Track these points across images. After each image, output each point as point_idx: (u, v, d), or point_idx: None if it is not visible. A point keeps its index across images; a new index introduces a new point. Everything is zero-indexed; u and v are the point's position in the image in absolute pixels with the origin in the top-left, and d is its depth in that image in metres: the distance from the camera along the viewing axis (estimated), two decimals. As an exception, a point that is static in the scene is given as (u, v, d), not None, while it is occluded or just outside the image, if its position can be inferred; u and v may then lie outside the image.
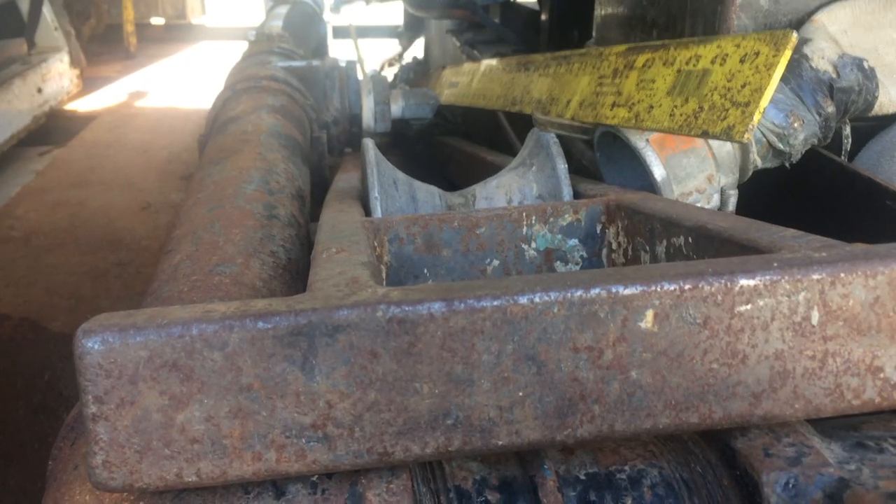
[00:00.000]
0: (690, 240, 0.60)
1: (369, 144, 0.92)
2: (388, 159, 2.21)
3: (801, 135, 0.81)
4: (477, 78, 1.48)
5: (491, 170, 1.36)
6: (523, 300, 0.41)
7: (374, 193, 0.85)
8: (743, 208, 0.86)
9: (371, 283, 0.46)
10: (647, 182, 0.85)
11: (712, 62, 0.67)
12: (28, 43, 2.48)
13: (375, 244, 0.74)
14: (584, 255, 0.77)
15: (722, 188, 0.82)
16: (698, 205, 0.81)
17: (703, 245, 0.58)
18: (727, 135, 0.61)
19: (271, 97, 1.33)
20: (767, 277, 0.42)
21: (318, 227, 0.76)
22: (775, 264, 0.43)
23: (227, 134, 1.15)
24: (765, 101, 0.59)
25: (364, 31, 4.02)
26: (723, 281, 0.42)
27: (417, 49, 3.61)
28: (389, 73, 3.38)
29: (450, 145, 1.80)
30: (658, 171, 0.80)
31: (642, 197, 0.74)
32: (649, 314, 0.41)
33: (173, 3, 4.38)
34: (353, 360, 0.40)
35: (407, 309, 0.40)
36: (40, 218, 1.72)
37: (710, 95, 0.65)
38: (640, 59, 0.81)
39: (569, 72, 1.00)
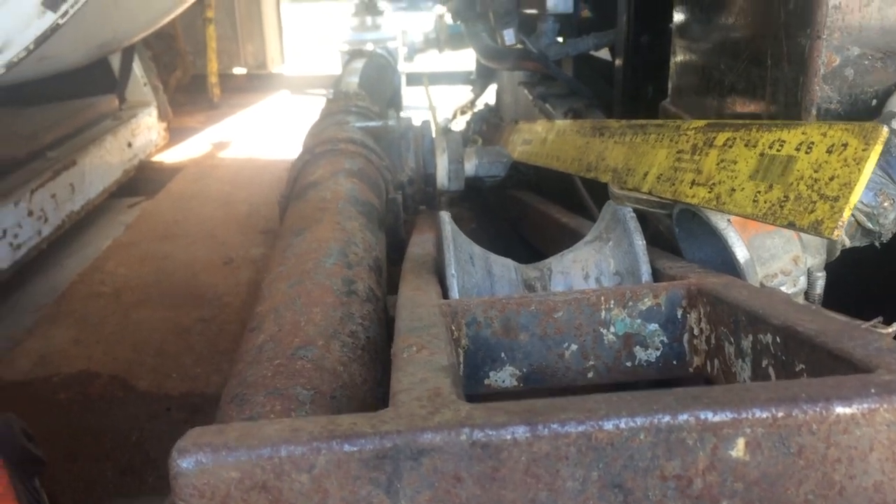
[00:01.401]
0: (778, 339, 0.58)
1: (445, 219, 0.93)
2: (460, 211, 2.22)
3: (892, 214, 0.79)
4: (550, 137, 1.49)
5: (565, 233, 1.36)
6: (609, 426, 0.41)
7: (451, 270, 0.85)
8: (830, 287, 0.83)
9: (453, 396, 0.47)
10: (728, 257, 0.83)
11: (797, 149, 0.66)
12: (119, 99, 2.61)
13: (453, 328, 0.74)
14: (665, 339, 0.76)
15: (809, 269, 0.79)
16: (783, 288, 0.79)
17: (792, 348, 0.56)
18: (815, 230, 0.59)
19: (348, 160, 1.36)
20: (865, 406, 0.40)
21: (396, 307, 0.77)
22: (873, 390, 0.41)
23: (307, 200, 1.18)
24: (855, 197, 0.57)
25: (437, 78, 4.09)
26: (818, 409, 0.40)
27: (489, 95, 3.65)
28: (461, 121, 3.42)
29: (522, 201, 1.80)
30: (741, 253, 0.78)
31: (725, 283, 0.72)
32: (740, 442, 0.40)
33: (254, 53, 4.54)
34: (438, 484, 0.40)
35: (490, 433, 0.40)
36: (128, 272, 1.79)
37: (796, 185, 0.63)
38: (721, 138, 0.80)
39: (645, 142, 0.99)
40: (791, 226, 0.62)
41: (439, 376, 0.51)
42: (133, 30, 2.22)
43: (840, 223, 0.57)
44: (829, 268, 0.84)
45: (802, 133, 0.65)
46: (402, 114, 3.07)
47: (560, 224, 1.41)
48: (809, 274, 0.80)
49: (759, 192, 0.68)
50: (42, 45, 1.35)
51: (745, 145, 0.73)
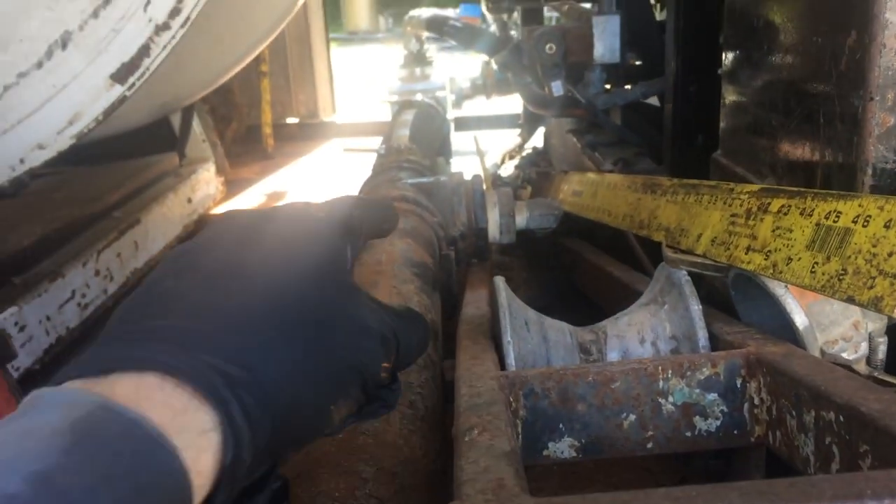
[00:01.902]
0: (841, 418, 0.58)
1: (500, 286, 0.94)
2: (511, 260, 2.22)
3: (956, 277, 0.77)
4: (601, 190, 1.49)
5: (618, 286, 1.36)
6: (672, 525, 0.41)
7: (507, 338, 0.87)
8: (893, 351, 0.82)
9: (517, 489, 0.48)
10: (786, 321, 0.82)
11: (854, 221, 0.66)
12: (179, 156, 2.70)
13: (511, 399, 0.75)
14: (725, 409, 0.76)
15: (870, 334, 0.78)
16: (844, 354, 0.78)
17: (856, 428, 0.56)
18: (875, 306, 0.59)
19: (402, 220, 1.39)
20: (934, 505, 0.40)
21: (455, 380, 0.78)
22: (941, 488, 0.41)
23: (363, 263, 1.20)
24: (916, 276, 0.57)
25: (484, 122, 4.14)
26: (884, 508, 0.40)
27: (537, 138, 3.67)
28: (510, 165, 3.45)
29: (573, 251, 1.80)
30: (800, 320, 0.78)
31: (784, 353, 0.72)
32: (806, 542, 0.40)
33: (307, 103, 4.66)
34: (504, 582, 0.41)
35: (555, 532, 0.41)
36: (189, 328, 1.84)
37: (854, 258, 0.63)
38: (775, 204, 0.80)
39: (698, 203, 0.99)
40: (850, 300, 0.62)
41: (502, 465, 0.51)
42: (193, 91, 2.31)
43: (901, 301, 0.57)
44: (891, 331, 0.83)
45: (859, 205, 0.65)
46: (451, 159, 3.11)
47: (612, 278, 1.41)
48: (871, 339, 0.79)
49: (816, 262, 0.68)
50: (110, 115, 1.42)
51: (801, 214, 0.74)
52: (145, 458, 0.34)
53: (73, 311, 1.72)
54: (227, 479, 0.38)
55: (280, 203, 2.99)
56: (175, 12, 1.33)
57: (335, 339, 0.46)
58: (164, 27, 1.34)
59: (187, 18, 1.34)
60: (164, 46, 1.35)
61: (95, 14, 1.33)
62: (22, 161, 1.40)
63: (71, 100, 1.37)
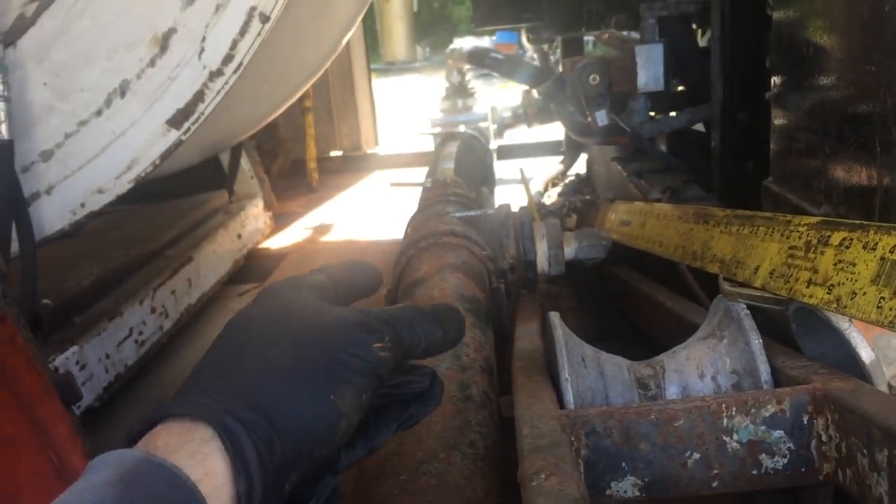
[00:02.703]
0: (918, 459, 0.56)
1: (556, 322, 0.94)
2: (560, 290, 2.20)
3: None
4: (650, 220, 1.49)
5: (670, 318, 1.35)
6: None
7: (565, 375, 0.86)
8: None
9: (590, 536, 0.48)
10: (851, 354, 0.81)
11: (921, 256, 0.65)
12: (229, 192, 2.76)
13: (573, 439, 0.75)
14: (792, 446, 0.74)
15: (940, 368, 0.77)
16: (915, 388, 0.76)
17: (935, 470, 0.54)
18: (949, 343, 0.58)
19: (452, 254, 1.40)
20: None
21: (516, 420, 0.78)
22: None
23: (415, 299, 1.21)
24: None
25: (526, 150, 4.15)
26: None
27: (580, 165, 3.67)
28: (553, 193, 3.45)
29: (622, 279, 1.79)
30: (866, 354, 0.76)
31: (852, 389, 0.71)
32: None
33: (350, 136, 4.73)
34: None
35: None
36: (243, 363, 1.86)
37: (923, 294, 0.62)
38: (836, 237, 0.79)
39: (753, 234, 0.98)
40: (921, 337, 0.61)
41: (573, 511, 0.51)
42: (242, 130, 2.36)
43: (976, 339, 0.55)
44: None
45: (925, 239, 0.64)
46: (496, 188, 3.12)
47: (664, 308, 1.40)
48: (941, 373, 0.77)
49: (882, 297, 0.67)
50: (166, 159, 1.46)
51: (864, 247, 0.73)
52: (179, 497, 0.44)
53: (131, 348, 1.76)
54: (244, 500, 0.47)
55: (327, 236, 3.02)
56: (228, 59, 1.37)
57: (315, 339, 0.55)
58: (218, 73, 1.38)
59: (240, 64, 1.38)
60: (218, 91, 1.39)
61: (152, 62, 1.38)
62: (83, 205, 1.45)
63: (129, 145, 1.42)
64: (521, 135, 4.02)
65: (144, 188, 1.52)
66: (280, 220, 3.23)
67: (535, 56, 4.01)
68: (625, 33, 2.47)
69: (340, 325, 0.56)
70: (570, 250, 1.63)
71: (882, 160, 0.96)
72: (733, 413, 0.74)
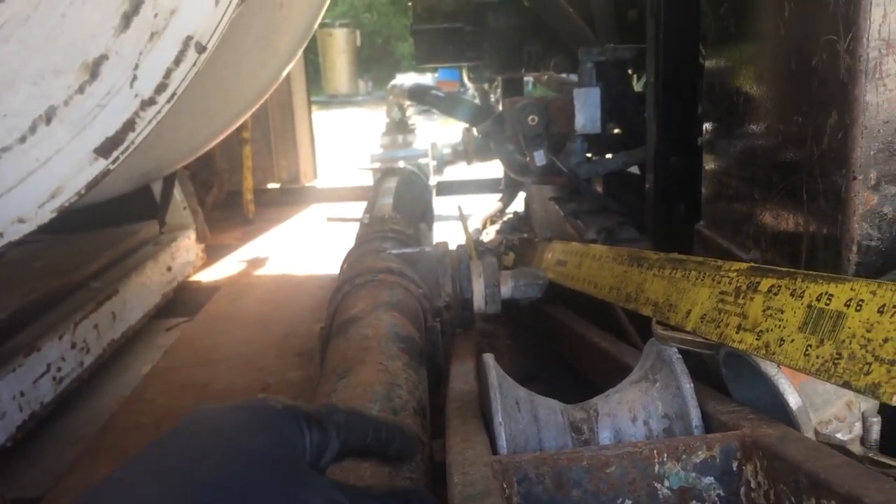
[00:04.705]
0: (844, 509, 0.57)
1: (490, 363, 0.93)
2: (496, 328, 2.20)
3: (946, 355, 0.77)
4: (586, 261, 1.50)
5: (605, 359, 1.36)
6: None
7: (499, 419, 0.85)
8: (888, 426, 0.81)
9: None
10: (779, 400, 0.82)
11: (846, 305, 0.66)
12: (160, 223, 2.69)
13: (504, 485, 0.73)
14: (721, 493, 0.74)
15: (863, 414, 0.78)
16: (839, 435, 0.77)
17: (861, 521, 0.55)
18: (873, 393, 0.58)
19: (388, 292, 1.38)
20: None
21: (447, 466, 0.76)
22: None
23: (349, 339, 1.19)
24: (912, 363, 0.57)
25: (465, 187, 4.18)
26: None
27: (518, 203, 3.71)
28: (491, 230, 3.47)
29: (557, 319, 1.80)
30: (793, 400, 0.77)
31: (780, 436, 0.71)
32: None
33: (288, 168, 4.68)
34: None
35: None
36: (168, 402, 1.80)
37: (849, 343, 0.63)
38: (765, 284, 0.80)
39: (685, 278, 1.00)
40: (847, 385, 0.62)
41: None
42: (176, 159, 2.31)
43: (899, 389, 0.56)
44: (884, 410, 0.82)
45: (851, 289, 0.66)
46: (434, 224, 3.12)
47: (599, 349, 1.41)
48: (864, 419, 0.78)
49: (809, 345, 0.68)
50: (93, 188, 1.41)
51: (792, 295, 0.74)
52: None
53: (48, 385, 1.67)
54: None
55: (261, 269, 2.95)
56: (161, 88, 1.33)
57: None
58: (151, 102, 1.34)
59: (174, 94, 1.34)
60: (150, 121, 1.35)
61: (81, 89, 1.33)
62: (1, 235, 1.38)
63: (53, 174, 1.36)
64: (461, 171, 4.05)
65: (69, 217, 1.46)
66: (213, 253, 3.16)
67: (476, 94, 4.05)
68: (563, 75, 2.52)
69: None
70: (506, 289, 1.63)
71: (809, 208, 0.99)
72: (665, 459, 0.74)
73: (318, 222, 3.90)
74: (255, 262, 3.14)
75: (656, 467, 0.74)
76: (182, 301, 2.63)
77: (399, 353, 1.13)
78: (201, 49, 1.34)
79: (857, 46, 0.85)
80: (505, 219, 3.64)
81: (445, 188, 4.03)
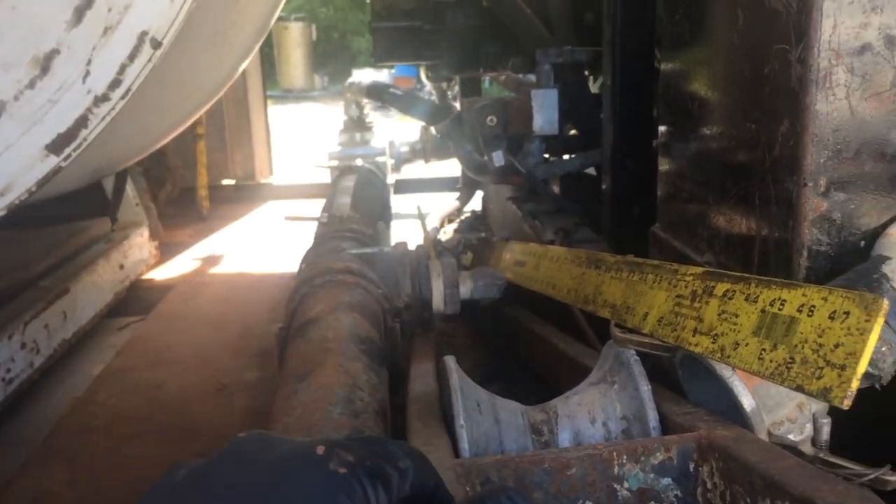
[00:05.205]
0: (797, 510, 0.58)
1: (452, 366, 0.94)
2: (455, 328, 2.20)
3: (890, 358, 0.80)
4: (544, 262, 1.51)
5: (563, 360, 1.37)
6: None
7: (460, 421, 0.86)
8: (837, 427, 0.84)
9: None
10: (733, 401, 0.84)
11: (798, 311, 0.68)
12: (112, 220, 2.63)
13: (468, 489, 0.74)
14: (679, 494, 0.76)
15: (814, 415, 0.80)
16: (791, 435, 0.80)
17: (813, 521, 0.56)
18: (824, 396, 0.60)
19: (347, 293, 1.38)
20: None
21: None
22: None
23: (308, 340, 1.18)
24: (862, 368, 0.59)
25: (423, 185, 4.18)
26: None
27: (476, 201, 3.72)
28: (449, 229, 3.48)
29: (517, 320, 1.81)
30: (747, 402, 0.79)
31: (735, 437, 0.73)
32: None
33: (243, 165, 4.63)
34: None
35: None
36: (120, 403, 1.77)
37: (801, 347, 0.65)
38: (720, 288, 0.82)
39: (642, 281, 1.01)
40: (800, 389, 0.63)
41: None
42: (129, 156, 2.26)
43: (849, 393, 0.58)
44: (834, 412, 0.85)
45: (803, 295, 0.68)
46: (392, 222, 3.12)
47: (557, 350, 1.42)
48: (815, 420, 0.81)
49: (763, 349, 0.70)
50: (44, 185, 1.38)
51: (746, 299, 0.76)
52: None
53: (-3, 387, 1.63)
54: None
55: (216, 268, 2.91)
56: (115, 84, 1.31)
57: None
58: (104, 98, 1.31)
59: (128, 90, 1.32)
60: (104, 117, 1.32)
61: (31, 85, 1.30)
62: (-53, 233, 1.34)
63: (3, 171, 1.32)
64: (419, 170, 4.05)
65: (19, 213, 1.42)
66: (167, 251, 3.10)
67: (434, 92, 4.05)
68: (521, 76, 2.53)
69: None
70: (465, 290, 1.63)
71: (761, 213, 1.01)
72: (624, 461, 0.75)
73: (274, 220, 3.87)
74: (210, 260, 3.09)
75: (616, 469, 0.75)
76: (135, 300, 2.58)
77: (359, 355, 1.13)
78: (157, 45, 1.32)
79: (808, 56, 0.87)
80: (462, 217, 3.65)
81: (403, 186, 4.02)
